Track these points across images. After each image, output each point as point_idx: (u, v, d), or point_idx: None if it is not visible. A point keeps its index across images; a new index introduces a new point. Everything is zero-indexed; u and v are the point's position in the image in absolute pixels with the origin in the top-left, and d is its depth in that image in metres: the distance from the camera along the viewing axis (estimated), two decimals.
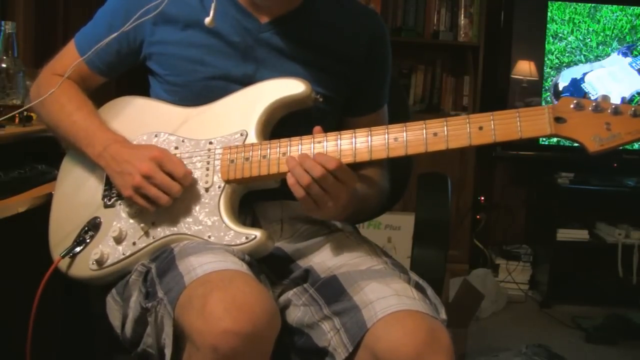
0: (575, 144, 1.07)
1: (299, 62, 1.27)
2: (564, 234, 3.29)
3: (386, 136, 1.13)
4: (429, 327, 1.02)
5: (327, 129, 1.16)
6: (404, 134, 1.12)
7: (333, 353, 1.07)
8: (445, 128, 1.10)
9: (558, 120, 1.07)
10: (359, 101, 1.35)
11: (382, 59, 1.36)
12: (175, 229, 1.19)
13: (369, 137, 1.14)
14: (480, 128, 1.09)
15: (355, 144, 1.14)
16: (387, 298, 1.06)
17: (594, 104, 1.06)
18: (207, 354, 0.94)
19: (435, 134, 1.10)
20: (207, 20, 1.21)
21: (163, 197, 1.16)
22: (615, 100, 1.07)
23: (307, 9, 1.30)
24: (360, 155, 1.14)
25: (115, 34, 1.26)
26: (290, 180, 1.11)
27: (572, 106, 1.06)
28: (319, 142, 1.15)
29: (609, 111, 1.05)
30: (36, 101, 1.32)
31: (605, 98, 1.07)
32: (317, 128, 1.15)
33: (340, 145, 1.14)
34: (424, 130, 1.11)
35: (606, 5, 3.37)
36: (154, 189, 1.16)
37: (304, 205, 1.12)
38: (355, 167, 1.28)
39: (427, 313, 1.05)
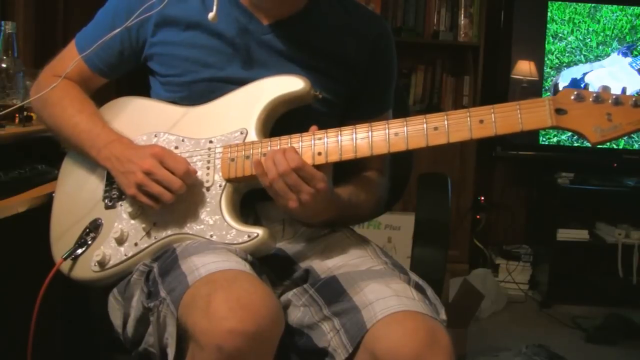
0: (576, 144, 1.07)
1: (300, 65, 1.27)
2: (564, 234, 3.29)
3: (387, 131, 1.13)
4: (428, 328, 1.02)
5: None
6: (405, 128, 1.12)
7: (333, 354, 1.07)
8: (445, 122, 1.10)
9: (559, 111, 1.07)
10: (362, 104, 1.34)
11: (387, 63, 1.36)
12: (177, 228, 1.19)
13: (370, 132, 1.13)
14: (481, 121, 1.08)
15: (355, 139, 1.14)
16: (387, 299, 1.06)
17: (594, 94, 1.06)
18: (211, 353, 0.94)
19: (435, 128, 1.10)
20: (211, 15, 1.21)
21: (165, 193, 1.16)
22: None
23: (311, 12, 1.30)
24: (361, 151, 1.13)
25: (117, 31, 1.25)
26: (259, 169, 1.12)
27: (572, 97, 1.07)
28: (320, 139, 1.15)
29: (609, 102, 1.05)
30: (35, 97, 1.32)
31: (606, 89, 1.07)
32: (314, 127, 1.16)
33: (341, 142, 1.14)
34: (425, 125, 1.11)
35: (606, 5, 3.37)
36: (156, 185, 1.16)
37: (270, 195, 1.13)
38: (355, 171, 1.28)
39: (426, 314, 1.05)
